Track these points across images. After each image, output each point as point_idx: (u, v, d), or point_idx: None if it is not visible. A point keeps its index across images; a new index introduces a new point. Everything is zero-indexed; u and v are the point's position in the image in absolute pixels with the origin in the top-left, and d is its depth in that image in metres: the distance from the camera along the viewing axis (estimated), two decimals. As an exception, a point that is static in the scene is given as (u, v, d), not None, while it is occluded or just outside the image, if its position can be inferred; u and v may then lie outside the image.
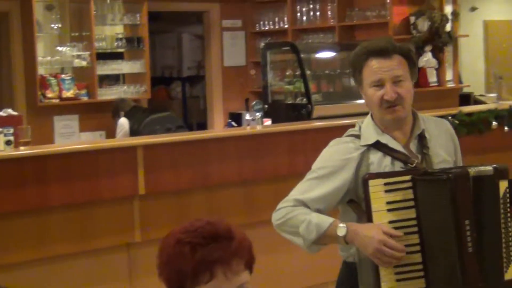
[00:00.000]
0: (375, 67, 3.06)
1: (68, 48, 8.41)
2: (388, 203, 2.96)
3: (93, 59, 8.46)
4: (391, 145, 3.09)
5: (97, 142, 6.96)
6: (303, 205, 3.07)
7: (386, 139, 3.10)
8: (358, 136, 3.14)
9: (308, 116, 7.52)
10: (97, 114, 8.63)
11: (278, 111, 7.93)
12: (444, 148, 3.19)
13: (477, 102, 9.07)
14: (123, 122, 7.97)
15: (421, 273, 2.96)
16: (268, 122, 7.38)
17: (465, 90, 9.86)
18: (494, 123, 7.44)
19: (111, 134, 8.39)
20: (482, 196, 2.96)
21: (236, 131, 6.77)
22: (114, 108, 8.21)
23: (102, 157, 5.60)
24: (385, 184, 2.96)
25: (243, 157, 6.15)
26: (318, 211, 3.07)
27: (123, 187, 5.64)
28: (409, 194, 2.96)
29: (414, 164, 3.05)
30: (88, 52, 8.45)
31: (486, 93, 11.03)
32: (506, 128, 7.54)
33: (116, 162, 5.64)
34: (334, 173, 3.08)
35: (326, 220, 3.00)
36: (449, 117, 7.14)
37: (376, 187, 2.95)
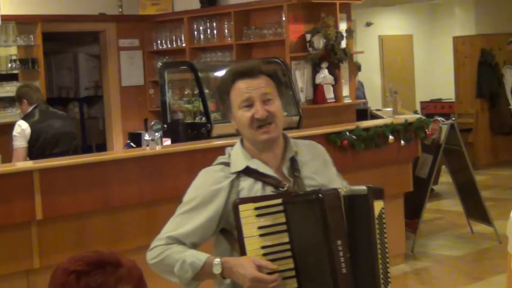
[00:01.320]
0: (242, 87, 3.03)
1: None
2: (260, 227, 2.89)
3: (-14, 81, 8.29)
4: (261, 170, 3.04)
5: None
6: (177, 242, 3.00)
7: (256, 164, 3.04)
8: (227, 164, 3.08)
9: (208, 135, 7.52)
10: (-8, 138, 8.42)
11: (178, 131, 7.90)
12: (318, 173, 3.14)
13: (374, 116, 9.22)
14: (19, 126, 7.35)
15: None
16: (167, 142, 7.37)
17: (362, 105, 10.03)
18: (390, 137, 7.54)
19: (7, 158, 8.20)
20: (355, 215, 2.93)
21: (135, 152, 6.68)
22: (17, 94, 7.64)
23: None
24: (256, 208, 2.90)
25: (143, 178, 6.10)
26: (194, 245, 3.01)
27: (20, 213, 5.51)
28: (281, 217, 2.90)
29: (286, 188, 3.00)
30: (-19, 74, 8.28)
31: (382, 108, 11.26)
32: (402, 142, 7.67)
33: (12, 187, 5.50)
34: (205, 204, 3.01)
35: (201, 258, 2.94)
36: (347, 133, 7.24)
37: (246, 212, 2.89)
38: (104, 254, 2.08)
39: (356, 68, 11.58)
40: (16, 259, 5.54)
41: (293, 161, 3.10)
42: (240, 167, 3.05)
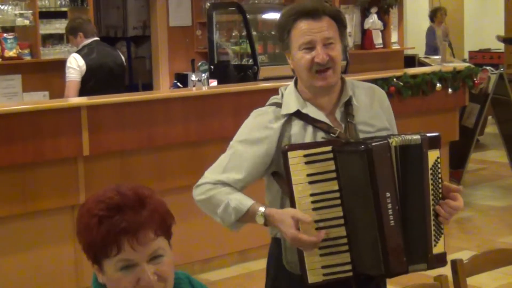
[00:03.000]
0: (304, 28, 2.92)
1: (10, 7, 8.27)
2: (309, 175, 2.83)
3: (36, 18, 8.35)
4: (313, 115, 2.97)
5: (41, 102, 6.87)
6: (223, 183, 2.98)
7: (307, 109, 2.98)
8: (279, 105, 3.03)
9: (254, 77, 7.54)
10: (41, 74, 8.50)
11: (224, 72, 7.94)
12: (375, 117, 3.06)
13: (422, 64, 9.17)
14: (75, 60, 7.29)
15: (346, 247, 2.86)
16: (214, 83, 7.39)
17: (410, 52, 9.96)
18: (438, 85, 7.54)
19: (54, 94, 8.30)
20: (407, 166, 2.85)
21: (182, 92, 6.74)
22: (72, 27, 7.54)
23: (46, 118, 5.56)
24: (305, 155, 2.83)
25: (189, 118, 6.15)
26: (242, 186, 2.99)
27: (67, 148, 5.61)
28: (331, 165, 2.84)
29: (337, 134, 2.93)
30: (31, 11, 8.34)
31: (430, 55, 11.15)
32: (450, 90, 7.65)
33: (60, 123, 5.59)
34: (254, 146, 2.98)
35: (245, 204, 2.91)
36: (394, 79, 7.22)
37: (296, 159, 2.83)
38: (127, 196, 2.08)
39: (443, 13, 11.44)
40: (63, 194, 5.66)
41: (348, 106, 3.01)
42: (292, 109, 2.99)
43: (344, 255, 2.86)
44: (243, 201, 2.92)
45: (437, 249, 2.90)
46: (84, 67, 7.15)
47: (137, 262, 2.05)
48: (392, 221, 2.80)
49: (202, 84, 6.80)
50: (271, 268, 3.15)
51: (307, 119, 2.97)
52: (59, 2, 8.80)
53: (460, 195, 2.94)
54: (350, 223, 2.84)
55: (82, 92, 7.17)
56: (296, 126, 2.97)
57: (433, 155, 2.88)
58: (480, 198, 8.64)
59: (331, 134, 2.93)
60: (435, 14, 12.35)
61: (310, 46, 2.92)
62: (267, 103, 3.10)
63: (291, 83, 3.08)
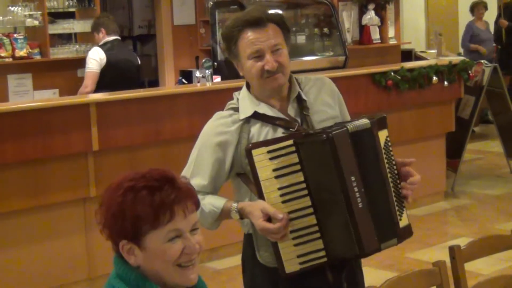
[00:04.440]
0: (251, 38, 2.96)
1: (20, 8, 8.42)
2: (275, 170, 2.89)
3: (45, 18, 8.46)
4: (270, 113, 3.03)
5: (51, 100, 6.88)
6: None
7: (263, 109, 3.03)
8: (236, 109, 3.08)
9: (256, 73, 7.65)
10: (50, 73, 8.62)
11: (227, 69, 8.03)
12: (327, 105, 3.13)
13: (418, 58, 9.28)
14: (97, 52, 7.57)
15: (318, 235, 2.92)
16: (217, 79, 7.47)
17: (407, 46, 10.08)
18: (434, 78, 7.65)
19: (64, 92, 8.45)
20: (363, 150, 2.92)
21: (187, 88, 6.83)
22: (96, 23, 7.87)
23: (56, 114, 5.67)
24: (269, 152, 2.89)
25: (194, 113, 6.24)
26: (211, 190, 3.05)
27: (77, 144, 5.71)
28: (294, 158, 2.89)
29: (296, 128, 2.99)
30: (40, 12, 8.46)
31: (426, 49, 11.24)
32: (446, 82, 7.78)
33: (69, 120, 5.70)
34: (214, 151, 3.04)
35: (218, 206, 2.99)
36: (392, 73, 7.37)
37: (260, 156, 2.88)
38: (164, 172, 2.17)
39: (482, 6, 11.46)
40: (74, 187, 5.77)
41: (300, 101, 3.09)
42: (249, 112, 3.04)
43: (317, 242, 2.92)
44: (215, 204, 3.00)
45: (402, 223, 3.01)
46: (104, 60, 7.39)
47: (183, 232, 2.13)
48: (360, 203, 2.88)
49: (206, 80, 6.88)
50: (247, 265, 3.19)
51: (265, 118, 3.03)
52: (67, 3, 8.93)
53: (412, 168, 3.04)
54: (320, 211, 2.91)
55: (98, 85, 7.36)
56: (255, 127, 3.04)
57: (382, 135, 2.99)
58: (476, 187, 8.76)
59: (290, 129, 3.00)
60: (474, 8, 12.39)
61: (258, 55, 2.97)
62: (225, 108, 3.14)
63: (243, 87, 3.13)
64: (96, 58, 7.41)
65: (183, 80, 8.12)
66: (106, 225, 2.16)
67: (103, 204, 2.16)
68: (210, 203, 3.00)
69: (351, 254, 2.96)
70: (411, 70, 7.58)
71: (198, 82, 6.88)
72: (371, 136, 2.95)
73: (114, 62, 7.47)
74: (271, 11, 3.09)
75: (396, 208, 3.00)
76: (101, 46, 7.53)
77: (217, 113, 3.14)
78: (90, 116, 5.77)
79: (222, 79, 7.56)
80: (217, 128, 3.07)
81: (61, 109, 5.75)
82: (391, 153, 3.02)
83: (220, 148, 3.04)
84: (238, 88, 6.78)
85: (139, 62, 7.83)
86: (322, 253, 2.94)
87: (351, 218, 2.88)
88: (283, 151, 2.90)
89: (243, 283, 3.24)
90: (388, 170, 2.98)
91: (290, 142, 2.91)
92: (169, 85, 9.72)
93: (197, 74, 7.38)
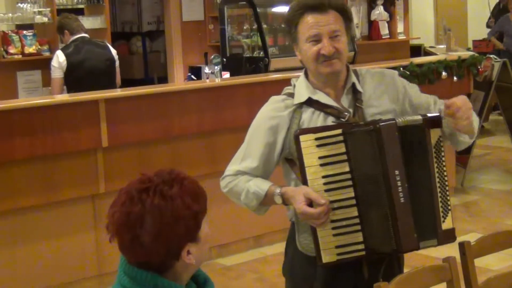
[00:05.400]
0: (311, 22, 3.00)
1: (29, 5, 8.44)
2: (321, 157, 2.89)
3: (53, 15, 8.48)
4: (323, 101, 3.05)
5: (61, 96, 6.81)
6: (242, 173, 3.09)
7: (317, 96, 3.06)
8: (292, 94, 3.11)
9: (265, 69, 7.65)
10: (60, 69, 8.64)
11: (236, 65, 8.02)
12: (383, 99, 3.11)
13: (427, 53, 9.26)
14: (57, 57, 7.39)
15: (358, 227, 2.92)
16: (226, 75, 7.47)
17: (416, 42, 10.07)
18: (443, 73, 7.64)
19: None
20: (412, 146, 2.93)
21: (196, 84, 6.83)
22: (58, 26, 7.74)
23: (66, 111, 5.68)
24: (316, 139, 2.90)
25: (203, 109, 6.26)
26: (260, 174, 3.10)
27: (87, 140, 5.73)
28: (341, 148, 2.90)
29: (346, 118, 3.00)
30: (49, 9, 8.49)
31: (435, 45, 11.22)
32: (455, 78, 7.76)
33: (79, 116, 5.71)
34: (266, 134, 3.08)
35: (263, 188, 3.03)
36: (401, 68, 7.33)
37: (307, 142, 2.89)
38: (173, 170, 2.30)
39: None
40: (83, 184, 5.79)
41: (355, 92, 3.09)
42: (303, 98, 3.07)
43: (356, 235, 2.93)
44: (261, 186, 3.04)
45: (446, 225, 2.99)
46: (64, 63, 7.24)
47: None
48: (402, 198, 2.89)
49: (215, 76, 6.89)
50: (289, 250, 3.24)
51: (318, 105, 3.05)
52: (75, -1, 8.98)
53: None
54: (362, 203, 2.91)
55: (67, 87, 7.26)
56: (307, 112, 3.06)
57: (435, 134, 2.97)
58: (485, 182, 8.75)
59: (341, 119, 3.01)
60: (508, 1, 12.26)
61: (316, 39, 3.00)
62: (282, 93, 3.18)
63: (302, 74, 3.17)
64: (55, 65, 7.28)
65: (192, 76, 8.13)
66: (161, 239, 2.12)
67: (145, 226, 2.12)
68: (256, 184, 3.05)
69: (388, 249, 2.97)
70: (420, 65, 7.57)
71: (207, 78, 6.89)
72: (422, 133, 2.95)
73: (77, 63, 7.31)
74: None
75: (441, 209, 2.99)
76: (64, 48, 7.43)
77: (272, 97, 3.19)
78: (100, 112, 5.78)
79: (231, 75, 7.56)
80: (270, 112, 3.12)
81: (70, 105, 5.77)
82: (443, 153, 3.02)
83: (271, 132, 3.08)
84: (247, 84, 6.79)
85: (114, 56, 7.65)
86: (361, 246, 2.95)
87: (392, 213, 2.90)
88: (330, 140, 2.91)
89: (282, 269, 3.29)
90: (436, 170, 2.98)
91: (339, 131, 2.92)
92: (179, 81, 9.73)
93: (206, 70, 7.40)
